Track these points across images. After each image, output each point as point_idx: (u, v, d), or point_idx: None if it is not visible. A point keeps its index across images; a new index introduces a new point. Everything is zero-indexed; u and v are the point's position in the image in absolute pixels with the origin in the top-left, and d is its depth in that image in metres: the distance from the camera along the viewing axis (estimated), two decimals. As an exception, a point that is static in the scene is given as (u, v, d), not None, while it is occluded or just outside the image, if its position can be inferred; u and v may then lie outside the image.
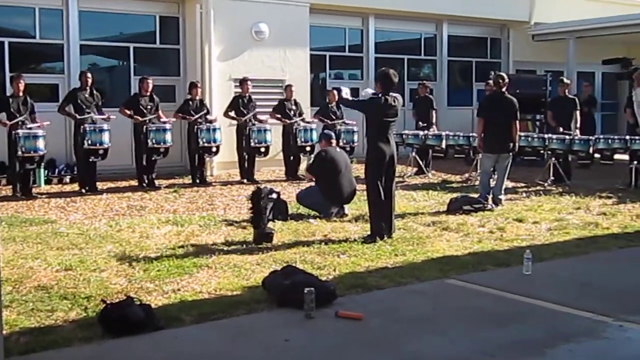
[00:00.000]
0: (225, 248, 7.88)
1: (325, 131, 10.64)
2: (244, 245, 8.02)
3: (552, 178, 13.47)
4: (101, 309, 5.38)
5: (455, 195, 11.26)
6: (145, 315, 5.35)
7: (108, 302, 5.45)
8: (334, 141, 10.18)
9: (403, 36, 19.78)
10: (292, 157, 14.51)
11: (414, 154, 14.93)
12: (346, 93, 8.75)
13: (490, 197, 10.95)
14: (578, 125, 14.11)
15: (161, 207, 10.84)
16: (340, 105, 15.03)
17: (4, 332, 5.02)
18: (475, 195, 10.97)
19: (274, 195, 9.17)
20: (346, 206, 9.95)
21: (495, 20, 20.37)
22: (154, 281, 6.54)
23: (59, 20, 14.25)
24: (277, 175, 14.85)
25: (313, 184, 10.38)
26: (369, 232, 8.49)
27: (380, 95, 8.34)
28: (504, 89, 11.16)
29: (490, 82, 12.57)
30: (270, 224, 8.50)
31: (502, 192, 11.27)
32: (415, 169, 15.05)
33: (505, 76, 11.39)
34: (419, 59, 19.95)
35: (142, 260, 7.24)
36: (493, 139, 11.11)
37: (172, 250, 7.75)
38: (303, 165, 14.85)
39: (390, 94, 8.39)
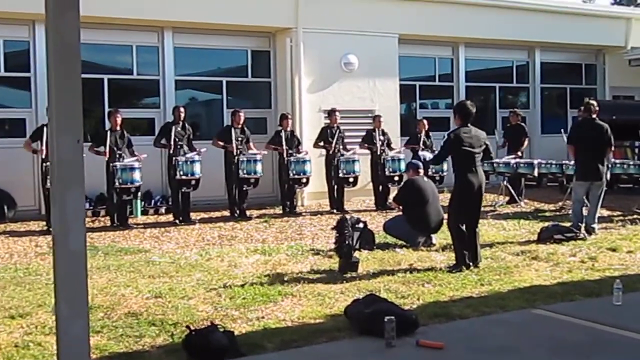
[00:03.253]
0: (311, 277, 7.97)
1: (413, 161, 10.65)
2: (330, 274, 8.09)
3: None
4: (186, 335, 5.53)
5: (547, 224, 11.06)
6: (228, 342, 5.47)
7: (192, 328, 5.60)
8: (421, 170, 10.16)
9: (494, 64, 19.55)
10: (380, 187, 14.54)
11: (505, 182, 14.73)
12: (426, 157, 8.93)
13: (583, 226, 10.68)
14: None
15: (251, 237, 11.04)
16: (430, 135, 15.07)
17: (94, 356, 5.25)
18: (568, 224, 10.74)
19: (361, 225, 9.25)
20: (434, 235, 9.91)
21: (589, 46, 19.93)
22: (239, 309, 6.67)
23: (155, 56, 14.78)
24: (366, 205, 14.88)
25: (400, 213, 10.37)
26: (454, 262, 8.44)
27: (458, 127, 8.35)
28: (594, 115, 10.95)
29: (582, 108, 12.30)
30: (356, 254, 8.53)
31: (595, 220, 10.99)
32: (507, 198, 14.81)
33: (596, 103, 11.18)
34: (511, 86, 19.69)
35: (229, 288, 7.40)
36: (584, 167, 10.89)
37: (259, 278, 7.90)
38: (392, 195, 14.88)
39: (468, 126, 8.38)
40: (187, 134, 12.68)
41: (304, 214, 13.73)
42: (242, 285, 7.50)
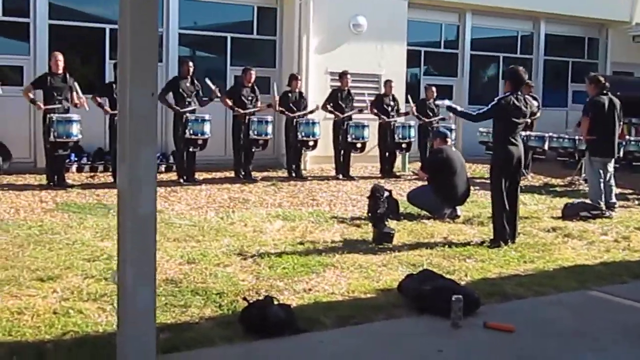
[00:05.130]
0: (345, 247, 7.60)
1: (441, 129, 10.32)
2: (364, 245, 7.74)
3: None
4: (243, 308, 5.15)
5: (561, 199, 10.89)
6: (286, 317, 5.11)
7: (250, 300, 5.22)
8: (449, 139, 9.80)
9: (499, 33, 19.20)
10: (387, 154, 14.18)
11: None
12: (447, 103, 8.53)
13: (603, 202, 10.43)
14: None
15: (264, 201, 10.63)
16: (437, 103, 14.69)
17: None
18: (585, 201, 10.51)
19: (386, 194, 8.92)
20: (458, 207, 9.59)
21: (594, 20, 19.65)
22: (283, 279, 6.30)
23: (159, 9, 14.18)
24: (370, 172, 14.54)
25: (423, 183, 10.04)
26: (490, 236, 8.14)
27: (509, 94, 7.94)
28: (606, 91, 10.70)
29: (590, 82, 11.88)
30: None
31: (614, 197, 10.75)
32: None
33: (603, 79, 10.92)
34: (514, 57, 19.37)
35: (264, 256, 7.00)
36: (602, 143, 10.62)
37: (292, 246, 7.52)
38: (398, 162, 14.56)
39: (519, 94, 8.00)
40: (196, 90, 12.15)
41: (309, 178, 13.32)
42: (277, 254, 7.11)
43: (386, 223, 8.09)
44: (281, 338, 4.89)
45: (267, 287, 6.05)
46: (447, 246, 7.75)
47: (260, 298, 5.39)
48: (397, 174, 14.20)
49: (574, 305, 6.01)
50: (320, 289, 6.09)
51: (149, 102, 4.05)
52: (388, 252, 7.43)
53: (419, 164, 14.67)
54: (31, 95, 11.12)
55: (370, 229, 8.39)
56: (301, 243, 7.69)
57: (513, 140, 7.88)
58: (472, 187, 10.05)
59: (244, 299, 5.28)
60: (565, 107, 19.35)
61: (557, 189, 13.23)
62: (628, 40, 20.10)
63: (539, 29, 19.31)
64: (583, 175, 13.74)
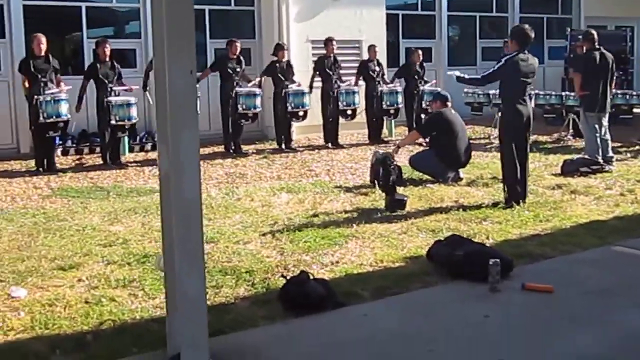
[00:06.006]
0: (360, 216, 7.51)
1: (441, 92, 10.16)
2: (377, 213, 7.66)
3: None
4: (282, 286, 5.05)
5: (555, 157, 11.13)
6: (325, 291, 5.03)
7: (287, 277, 5.12)
8: (449, 103, 9.69)
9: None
10: (375, 120, 14.06)
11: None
12: (457, 74, 8.46)
13: (600, 157, 10.45)
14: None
15: (261, 174, 10.49)
16: (424, 66, 14.59)
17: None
18: (576, 156, 10.56)
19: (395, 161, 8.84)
20: (461, 170, 9.54)
21: (567, -26, 19.63)
22: (307, 253, 6.20)
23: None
24: (357, 139, 14.42)
25: (421, 147, 9.97)
26: (498, 197, 8.11)
27: (515, 53, 7.86)
28: (596, 45, 10.69)
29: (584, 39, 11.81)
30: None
31: (610, 150, 10.78)
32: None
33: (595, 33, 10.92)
34: (491, 16, 19.26)
35: (282, 231, 6.88)
36: (596, 98, 10.61)
37: (306, 219, 7.41)
38: (384, 130, 14.45)
39: (526, 52, 7.92)
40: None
41: (299, 149, 13.18)
42: (295, 228, 6.99)
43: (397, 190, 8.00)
44: (323, 313, 4.81)
45: (294, 262, 5.95)
46: (460, 210, 7.70)
47: (295, 274, 5.29)
48: (385, 139, 14.09)
49: (602, 262, 6.02)
50: (347, 261, 6.02)
51: (189, 80, 3.89)
52: (403, 219, 7.36)
53: (405, 128, 14.69)
54: (26, 84, 10.73)
55: (378, 196, 8.35)
56: (315, 215, 7.58)
57: (522, 99, 7.82)
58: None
59: (282, 276, 5.18)
60: (542, 64, 19.25)
61: (547, 145, 13.24)
62: (601, -6, 20.14)
63: (514, -14, 19.24)
64: (570, 131, 13.81)
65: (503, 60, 7.92)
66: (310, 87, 13.15)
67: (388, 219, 7.39)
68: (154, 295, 5.19)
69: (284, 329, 4.65)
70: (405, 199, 7.83)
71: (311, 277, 5.12)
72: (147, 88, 11.84)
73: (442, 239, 6.16)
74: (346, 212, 7.76)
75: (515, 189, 7.82)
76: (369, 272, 5.73)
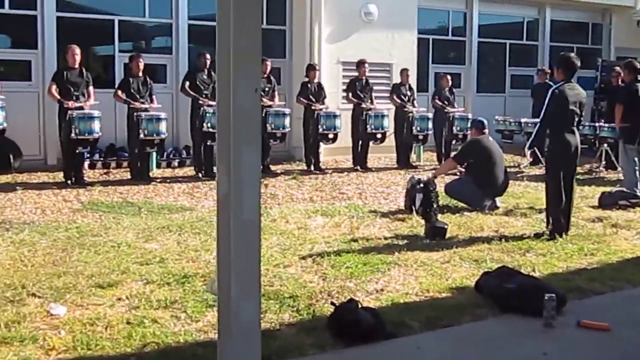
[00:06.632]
0: (400, 243, 7.32)
1: (479, 118, 10.01)
2: (417, 240, 7.49)
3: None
4: (330, 313, 4.88)
5: (590, 188, 11.11)
6: (374, 320, 4.85)
7: (336, 304, 4.95)
8: (486, 130, 9.54)
9: (505, 19, 18.98)
10: (404, 144, 13.91)
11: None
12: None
13: (638, 190, 10.25)
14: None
15: (292, 195, 10.35)
16: (453, 91, 14.47)
17: (214, 335, 4.57)
18: (609, 189, 10.37)
19: (422, 186, 8.70)
20: (497, 199, 9.36)
21: (598, 5, 19.44)
22: (351, 279, 6.02)
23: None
24: (385, 163, 14.27)
25: (457, 175, 9.80)
26: (538, 228, 7.93)
27: (562, 83, 7.70)
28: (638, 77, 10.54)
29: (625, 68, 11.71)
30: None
31: (650, 185, 10.59)
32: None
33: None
34: (521, 44, 19.12)
35: (323, 255, 6.70)
36: (637, 130, 10.42)
37: (346, 244, 7.24)
38: (413, 156, 14.30)
39: (572, 81, 7.76)
40: (213, 83, 11.78)
41: (327, 171, 13.02)
42: (334, 252, 6.82)
43: (437, 218, 7.84)
44: (375, 344, 4.63)
45: (337, 288, 5.77)
46: (502, 240, 7.51)
47: (342, 301, 5.12)
48: (414, 164, 13.95)
49: (658, 300, 5.82)
50: (392, 289, 5.83)
51: (253, 97, 3.75)
52: (445, 247, 7.17)
53: (433, 154, 14.55)
54: (56, 95, 10.59)
55: (415, 223, 8.19)
56: (354, 240, 7.41)
57: (570, 129, 7.65)
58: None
59: (332, 303, 5.00)
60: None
61: (579, 177, 12.99)
62: (632, 25, 19.92)
63: (544, 15, 19.07)
64: (603, 162, 13.61)
65: (550, 91, 7.73)
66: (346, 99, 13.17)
67: (429, 247, 7.21)
68: (197, 318, 5.03)
69: (334, 358, 4.48)
70: (446, 227, 7.65)
71: (359, 306, 4.96)
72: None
73: (491, 270, 5.98)
74: (385, 238, 7.58)
75: (559, 220, 7.63)
76: (415, 302, 5.54)
